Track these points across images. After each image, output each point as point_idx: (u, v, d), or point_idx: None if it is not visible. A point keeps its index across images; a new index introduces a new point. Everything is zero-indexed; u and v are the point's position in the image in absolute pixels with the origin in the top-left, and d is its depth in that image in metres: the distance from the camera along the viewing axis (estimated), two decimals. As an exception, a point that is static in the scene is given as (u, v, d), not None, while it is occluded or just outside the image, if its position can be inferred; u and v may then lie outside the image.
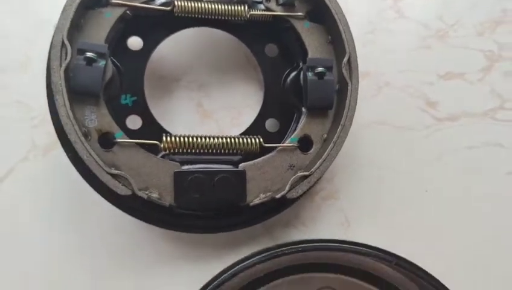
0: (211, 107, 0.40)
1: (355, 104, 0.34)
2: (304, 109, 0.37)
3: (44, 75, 0.34)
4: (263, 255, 0.33)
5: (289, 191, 0.34)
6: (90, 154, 0.31)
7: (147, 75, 0.37)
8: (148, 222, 0.36)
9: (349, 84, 0.35)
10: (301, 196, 0.36)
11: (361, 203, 0.39)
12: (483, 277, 0.39)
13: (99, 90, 0.32)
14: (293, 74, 0.38)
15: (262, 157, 0.35)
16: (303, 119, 0.36)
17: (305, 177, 0.34)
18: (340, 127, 0.34)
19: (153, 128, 0.37)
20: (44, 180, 0.40)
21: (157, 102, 0.39)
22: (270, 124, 0.38)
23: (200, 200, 0.33)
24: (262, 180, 0.35)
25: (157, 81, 0.40)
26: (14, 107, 0.41)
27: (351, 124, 0.35)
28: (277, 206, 0.37)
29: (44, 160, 0.40)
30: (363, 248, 0.34)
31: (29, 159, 0.40)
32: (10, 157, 0.40)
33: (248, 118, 0.38)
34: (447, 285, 0.35)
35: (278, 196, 0.33)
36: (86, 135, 0.32)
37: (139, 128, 0.36)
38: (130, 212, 0.35)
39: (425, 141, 0.40)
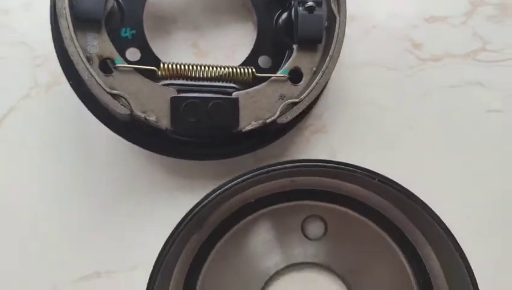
0: (206, 47, 0.42)
1: (343, 37, 0.36)
2: (294, 46, 0.39)
3: (48, 16, 0.36)
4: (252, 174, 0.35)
5: (279, 116, 0.36)
6: (91, 74, 0.33)
7: (146, 16, 0.39)
8: (145, 147, 0.38)
9: (338, 17, 0.36)
10: (291, 125, 0.39)
11: (349, 137, 0.41)
12: (466, 204, 0.41)
13: (101, 17, 0.34)
14: (285, 14, 0.40)
15: (254, 87, 0.37)
16: (294, 53, 0.38)
17: (294, 104, 0.36)
18: (328, 58, 0.36)
19: (151, 61, 0.38)
20: (46, 115, 0.41)
21: (154, 41, 0.40)
22: (263, 61, 0.40)
23: (195, 125, 0.35)
24: (254, 109, 0.36)
25: (155, 21, 0.42)
26: (17, 48, 0.43)
27: (338, 55, 0.36)
28: (268, 136, 0.39)
29: (46, 96, 0.42)
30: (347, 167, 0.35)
31: (32, 96, 0.42)
32: (12, 95, 0.42)
33: (242, 55, 0.40)
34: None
35: (269, 120, 0.35)
36: (88, 60, 0.34)
37: (137, 60, 0.38)
38: (127, 137, 0.37)
39: (410, 80, 0.42)
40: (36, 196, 0.41)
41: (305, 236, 0.40)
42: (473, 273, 0.33)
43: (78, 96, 0.36)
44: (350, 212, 0.40)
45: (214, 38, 0.42)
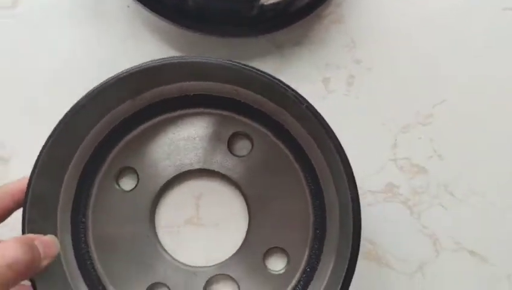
0: None
1: None
2: None
3: None
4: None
5: (301, -10, 0.36)
6: None
7: None
8: (168, 19, 0.38)
9: None
10: (310, 9, 0.39)
11: (366, 27, 0.42)
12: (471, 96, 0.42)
13: None
14: None
15: (278, -38, 0.37)
16: None
17: (317, -22, 0.37)
18: None
19: None
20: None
21: None
22: None
23: (220, -6, 0.36)
24: (276, -16, 0.37)
25: None
26: None
27: None
28: (287, 19, 0.39)
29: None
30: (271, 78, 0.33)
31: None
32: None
33: None
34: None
35: (291, -7, 0.36)
36: None
37: None
38: (150, 7, 0.37)
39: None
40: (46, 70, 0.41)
41: (230, 150, 0.39)
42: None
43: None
44: (273, 138, 0.38)
45: None
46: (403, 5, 0.42)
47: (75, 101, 0.33)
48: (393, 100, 0.41)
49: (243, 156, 0.39)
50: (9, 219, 0.33)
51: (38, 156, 0.32)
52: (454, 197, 0.40)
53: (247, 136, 0.39)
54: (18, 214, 0.32)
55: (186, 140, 0.39)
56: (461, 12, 0.43)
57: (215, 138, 0.39)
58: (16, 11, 0.41)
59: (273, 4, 0.36)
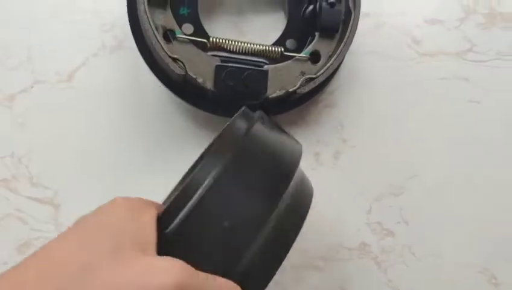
0: (245, 28, 0.51)
1: (356, 29, 0.45)
2: (316, 33, 0.48)
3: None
4: None
5: (299, 87, 0.45)
6: (158, 40, 0.42)
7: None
8: (190, 103, 0.47)
9: (353, 13, 0.46)
10: (307, 97, 0.48)
11: (354, 113, 0.51)
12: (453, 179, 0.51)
13: (168, -5, 0.44)
14: (311, 6, 0.49)
15: (281, 63, 0.46)
16: (315, 39, 0.47)
17: (312, 79, 0.46)
18: (342, 44, 0.46)
19: (201, 35, 0.47)
20: (110, 72, 0.51)
21: (204, 20, 0.49)
22: (290, 43, 0.49)
23: (233, 88, 0.45)
24: (279, 81, 0.46)
25: (207, 2, 0.51)
26: (90, 14, 0.52)
27: (351, 43, 0.46)
28: (288, 105, 0.49)
29: (111, 57, 0.51)
30: None
31: (99, 55, 0.51)
32: (84, 53, 0.51)
33: (273, 38, 0.49)
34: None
35: (291, 90, 0.45)
36: (156, 29, 0.43)
37: (191, 34, 0.47)
38: (178, 94, 0.47)
39: (409, 70, 0.51)
40: (94, 134, 0.50)
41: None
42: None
43: (142, 56, 0.46)
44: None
45: (252, 21, 0.51)
46: (387, 94, 0.52)
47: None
48: (372, 173, 0.50)
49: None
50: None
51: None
52: (415, 257, 0.49)
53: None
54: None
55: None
56: (435, 100, 0.52)
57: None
58: (71, 84, 0.51)
59: (276, 97, 0.46)
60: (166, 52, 0.42)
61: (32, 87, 0.50)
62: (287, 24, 0.50)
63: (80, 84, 0.51)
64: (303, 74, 0.46)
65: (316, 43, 0.47)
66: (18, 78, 0.50)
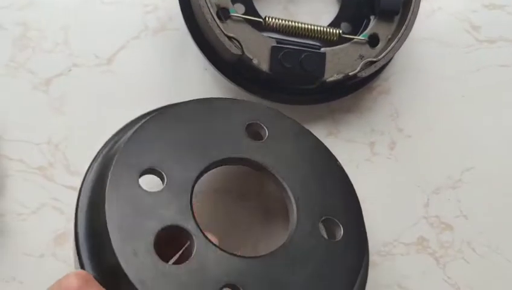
0: (295, 11, 0.49)
1: (418, 10, 0.44)
2: (371, 16, 0.46)
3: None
4: None
5: (359, 71, 0.43)
6: (213, 18, 0.40)
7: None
8: (242, 87, 0.45)
9: (415, -5, 0.44)
10: (362, 83, 0.46)
11: (409, 100, 0.49)
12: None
13: (223, -26, 0.41)
14: (368, -13, 0.47)
15: (338, 46, 0.44)
16: (373, 22, 0.45)
17: (372, 62, 0.43)
18: (404, 26, 0.43)
19: (253, 15, 0.45)
20: (152, 54, 0.48)
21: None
22: (344, 26, 0.47)
23: (289, 71, 0.42)
24: (337, 64, 0.44)
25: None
26: (132, -5, 0.50)
27: (412, 26, 0.44)
28: (342, 91, 0.47)
29: (153, 39, 0.49)
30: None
31: (141, 38, 0.49)
32: (125, 36, 0.49)
33: (325, 22, 0.47)
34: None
35: (351, 73, 0.43)
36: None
37: (242, 13, 0.45)
38: (229, 76, 0.45)
39: (466, 57, 0.49)
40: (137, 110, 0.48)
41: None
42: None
43: (192, 38, 0.44)
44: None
45: (302, 4, 0.49)
46: (443, 82, 0.49)
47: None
48: (428, 165, 0.48)
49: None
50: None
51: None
52: (475, 253, 0.47)
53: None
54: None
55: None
56: (494, 89, 0.49)
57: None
58: (110, 67, 0.49)
59: (333, 81, 0.43)
60: (222, 31, 0.40)
61: (69, 70, 0.48)
62: (341, 7, 0.48)
63: (119, 68, 0.48)
64: (361, 57, 0.44)
65: (374, 26, 0.45)
66: (54, 61, 0.48)
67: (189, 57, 0.48)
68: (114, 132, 0.41)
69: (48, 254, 0.45)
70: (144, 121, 0.38)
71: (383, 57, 0.43)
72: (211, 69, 0.46)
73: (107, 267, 0.33)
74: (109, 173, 0.34)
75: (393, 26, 0.45)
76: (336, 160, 0.40)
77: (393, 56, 0.45)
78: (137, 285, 0.31)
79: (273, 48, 0.42)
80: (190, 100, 0.40)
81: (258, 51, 0.42)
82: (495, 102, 0.49)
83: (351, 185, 0.40)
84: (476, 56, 0.49)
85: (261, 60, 0.42)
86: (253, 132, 0.40)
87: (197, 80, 0.48)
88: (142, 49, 0.48)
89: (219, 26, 0.40)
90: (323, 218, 0.39)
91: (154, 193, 0.35)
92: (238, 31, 0.42)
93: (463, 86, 0.49)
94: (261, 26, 0.44)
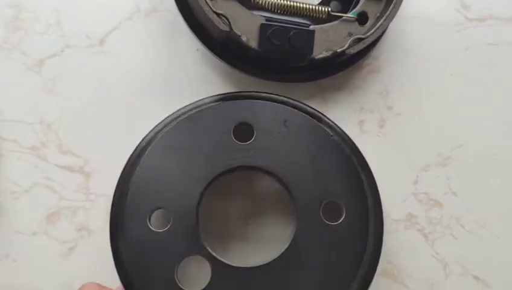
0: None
1: (405, -10, 0.44)
2: (362, -6, 0.46)
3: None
4: None
5: (347, 48, 0.43)
6: (202, -5, 0.40)
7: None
8: (232, 65, 0.45)
9: (403, -27, 0.44)
10: (352, 61, 0.46)
11: (399, 78, 0.49)
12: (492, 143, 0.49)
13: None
14: (356, -33, 0.47)
15: (327, 24, 0.44)
16: (362, 0, 0.45)
17: (361, 39, 0.43)
18: (392, 5, 0.43)
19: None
20: (145, 37, 0.49)
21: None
22: (333, 5, 0.47)
23: (278, 48, 0.43)
24: (326, 41, 0.44)
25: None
26: (125, -24, 0.50)
27: (400, 4, 0.44)
28: (332, 69, 0.47)
29: (145, 20, 0.49)
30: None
31: (133, 19, 0.49)
32: (117, 17, 0.49)
33: (316, 0, 0.47)
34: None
35: (339, 50, 0.43)
36: (199, -16, 0.41)
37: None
38: (218, 54, 0.45)
39: (456, 35, 0.49)
40: (126, 100, 0.48)
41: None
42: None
43: (182, 17, 0.44)
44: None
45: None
46: (433, 60, 0.49)
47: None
48: (418, 142, 0.48)
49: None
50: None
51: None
52: (464, 229, 0.47)
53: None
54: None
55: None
56: (484, 68, 0.50)
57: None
58: (103, 48, 0.49)
59: (322, 58, 0.44)
60: (210, 8, 0.40)
61: (62, 51, 0.48)
62: (331, -15, 0.48)
63: (112, 49, 0.48)
64: (350, 35, 0.44)
65: (363, 4, 0.45)
66: (47, 42, 0.48)
67: (181, 38, 0.48)
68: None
69: (40, 232, 0.46)
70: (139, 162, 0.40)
71: (372, 34, 0.43)
72: (202, 49, 0.46)
73: None
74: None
75: (382, 4, 0.45)
76: (330, 134, 0.41)
77: (382, 34, 0.45)
78: None
79: (262, 25, 0.42)
80: (176, 120, 0.41)
81: (247, 29, 0.42)
82: (484, 80, 0.49)
83: (349, 157, 0.41)
84: (465, 35, 0.49)
85: (250, 37, 0.42)
86: (242, 133, 0.41)
87: (189, 60, 0.48)
88: (134, 30, 0.49)
89: (208, 4, 0.40)
90: (324, 203, 0.40)
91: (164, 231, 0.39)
92: (227, 9, 0.42)
93: (452, 65, 0.49)
94: (250, 4, 0.44)
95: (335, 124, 0.43)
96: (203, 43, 0.45)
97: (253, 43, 0.43)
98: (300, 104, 0.43)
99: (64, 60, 0.48)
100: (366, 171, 0.42)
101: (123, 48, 0.48)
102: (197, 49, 0.48)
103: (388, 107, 0.48)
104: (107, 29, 0.48)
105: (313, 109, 0.43)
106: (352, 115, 0.48)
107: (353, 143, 0.42)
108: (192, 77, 0.48)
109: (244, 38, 0.42)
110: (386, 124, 0.48)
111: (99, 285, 0.38)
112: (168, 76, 0.49)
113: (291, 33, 0.42)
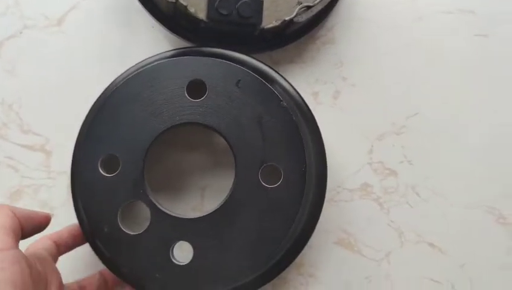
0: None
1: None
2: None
3: None
4: None
5: (295, 16, 0.43)
6: (147, -33, 0.41)
7: None
8: (184, 38, 0.46)
9: None
10: (304, 31, 0.46)
11: (354, 50, 0.49)
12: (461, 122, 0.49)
13: None
14: None
15: (276, -6, 0.45)
16: (311, -30, 0.45)
17: (309, 7, 0.43)
18: (340, -28, 0.44)
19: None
20: (103, 14, 0.49)
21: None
22: (285, -24, 0.47)
23: (226, 18, 0.43)
24: (275, 11, 0.44)
25: None
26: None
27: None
28: (284, 39, 0.47)
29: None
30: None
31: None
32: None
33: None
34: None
35: (287, 18, 0.43)
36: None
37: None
38: (170, 27, 0.46)
39: (410, 4, 0.49)
40: (85, 78, 0.49)
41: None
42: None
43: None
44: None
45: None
46: (387, 30, 0.49)
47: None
48: (372, 112, 0.48)
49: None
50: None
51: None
52: (419, 197, 0.47)
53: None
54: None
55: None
56: (438, 36, 0.49)
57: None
58: (61, 28, 0.50)
59: (272, 28, 0.44)
60: (155, -21, 0.41)
61: (21, 32, 0.49)
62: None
63: (70, 29, 0.49)
64: (300, 3, 0.44)
65: (312, -26, 0.45)
66: (6, 24, 0.49)
67: (137, 16, 0.49)
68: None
69: (2, 209, 0.47)
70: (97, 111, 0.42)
71: (319, 1, 0.43)
72: (157, 25, 0.47)
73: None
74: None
75: (332, -28, 0.45)
76: (280, 100, 0.41)
77: (333, 2, 0.45)
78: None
79: (209, -5, 0.43)
80: (133, 72, 0.43)
81: (196, 1, 0.43)
82: (439, 49, 0.49)
83: (296, 124, 0.41)
84: (419, 3, 0.49)
85: (198, 9, 0.43)
86: (194, 90, 0.42)
87: (146, 37, 0.49)
88: (92, 9, 0.49)
89: (152, -23, 0.41)
90: (263, 165, 0.40)
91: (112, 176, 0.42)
92: (174, -20, 0.42)
93: (407, 35, 0.49)
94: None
95: (293, 87, 0.43)
96: (154, 17, 0.45)
97: (202, 15, 0.43)
98: (257, 63, 0.44)
99: (23, 41, 0.49)
100: (316, 138, 0.42)
101: (81, 28, 0.49)
102: (153, 27, 0.49)
103: (343, 78, 0.48)
104: (64, 9, 0.49)
105: (271, 68, 0.44)
106: (306, 87, 0.48)
107: (308, 109, 0.43)
108: (148, 53, 0.49)
109: (191, 10, 0.42)
110: (341, 95, 0.48)
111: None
112: (125, 54, 0.49)
113: (239, 3, 0.43)
